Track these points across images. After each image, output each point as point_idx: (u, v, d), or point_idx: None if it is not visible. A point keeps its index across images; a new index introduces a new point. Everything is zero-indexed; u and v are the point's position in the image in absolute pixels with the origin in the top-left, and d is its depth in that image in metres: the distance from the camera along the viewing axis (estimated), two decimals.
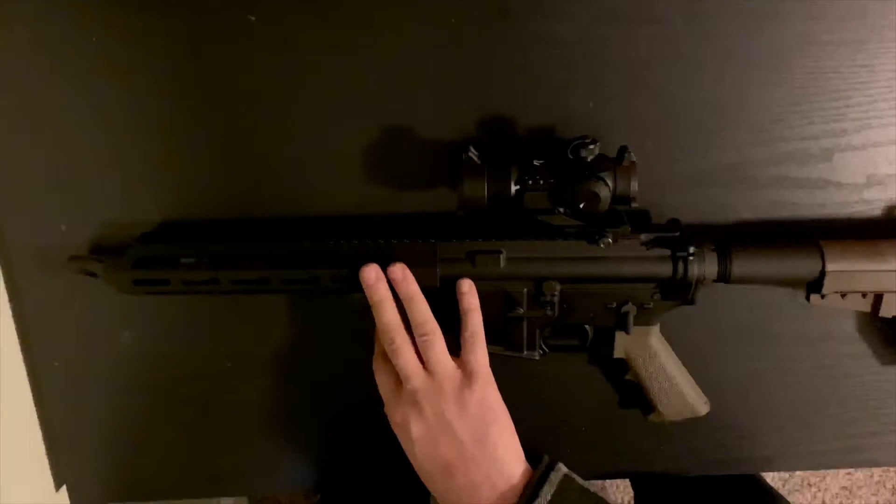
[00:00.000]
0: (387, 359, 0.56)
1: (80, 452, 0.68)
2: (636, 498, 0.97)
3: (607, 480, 1.36)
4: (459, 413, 0.54)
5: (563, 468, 0.55)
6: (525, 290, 0.57)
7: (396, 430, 0.57)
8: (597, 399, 0.66)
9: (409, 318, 0.55)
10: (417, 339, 0.55)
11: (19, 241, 0.62)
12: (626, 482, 1.38)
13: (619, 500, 1.40)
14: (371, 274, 0.54)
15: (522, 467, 0.56)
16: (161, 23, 0.57)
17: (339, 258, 0.56)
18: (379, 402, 0.66)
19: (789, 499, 0.77)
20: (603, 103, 0.58)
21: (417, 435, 0.54)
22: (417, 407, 0.54)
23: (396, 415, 0.56)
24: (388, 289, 0.55)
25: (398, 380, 0.56)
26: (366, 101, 0.59)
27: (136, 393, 0.66)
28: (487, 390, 0.55)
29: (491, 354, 0.60)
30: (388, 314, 0.54)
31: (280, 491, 1.16)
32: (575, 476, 0.55)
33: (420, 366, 0.55)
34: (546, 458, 0.56)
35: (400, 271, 0.55)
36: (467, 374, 0.55)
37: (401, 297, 0.55)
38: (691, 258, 0.55)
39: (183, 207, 0.61)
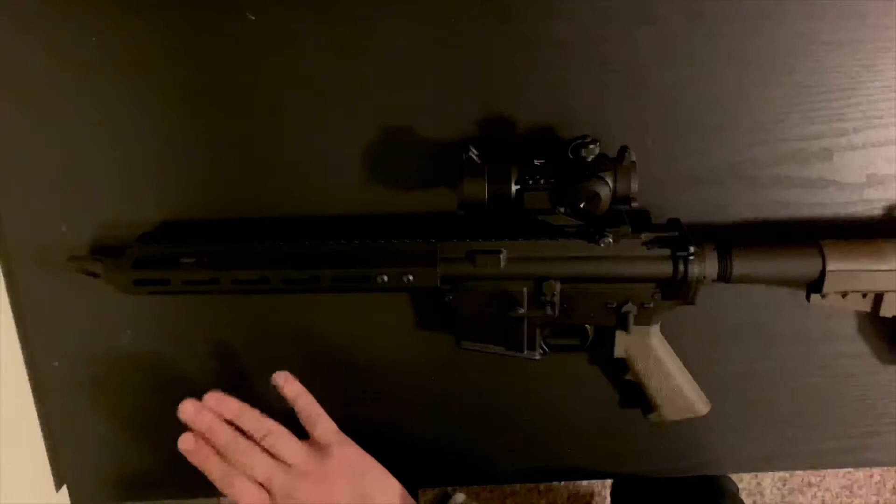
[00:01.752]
0: (242, 478, 0.55)
1: (80, 452, 0.68)
2: (613, 494, 0.98)
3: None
4: (330, 483, 0.56)
5: (458, 499, 0.56)
6: (525, 289, 0.57)
7: None
8: (597, 399, 0.66)
9: (246, 430, 0.56)
10: (263, 444, 0.56)
11: (19, 241, 0.62)
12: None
13: None
14: (188, 409, 0.56)
15: (402, 500, 0.58)
16: (161, 22, 0.57)
17: (339, 258, 0.56)
18: (378, 402, 0.66)
19: (789, 499, 0.77)
20: (603, 103, 0.58)
21: None
22: (292, 500, 0.55)
23: None
24: (212, 414, 0.56)
25: (264, 494, 0.55)
26: (366, 101, 0.59)
27: (136, 393, 0.66)
28: (344, 451, 0.57)
29: (491, 354, 0.60)
30: (225, 435, 0.55)
31: None
32: None
33: (276, 463, 0.55)
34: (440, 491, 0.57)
35: (214, 399, 0.56)
36: (321, 448, 0.57)
37: (229, 417, 0.56)
38: (691, 258, 0.55)
39: (183, 207, 0.61)
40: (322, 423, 0.58)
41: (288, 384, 0.58)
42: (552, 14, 0.56)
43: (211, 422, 0.56)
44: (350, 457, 0.58)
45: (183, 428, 0.67)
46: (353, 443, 0.59)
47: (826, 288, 0.56)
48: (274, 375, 0.58)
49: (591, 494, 1.39)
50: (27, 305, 0.63)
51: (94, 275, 0.58)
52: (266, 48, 0.58)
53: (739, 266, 0.56)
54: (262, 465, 0.55)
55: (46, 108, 0.59)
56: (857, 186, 0.60)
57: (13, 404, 0.64)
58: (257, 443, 0.56)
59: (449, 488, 0.59)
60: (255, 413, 0.57)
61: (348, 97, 0.59)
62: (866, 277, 0.56)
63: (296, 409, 0.58)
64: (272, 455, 0.56)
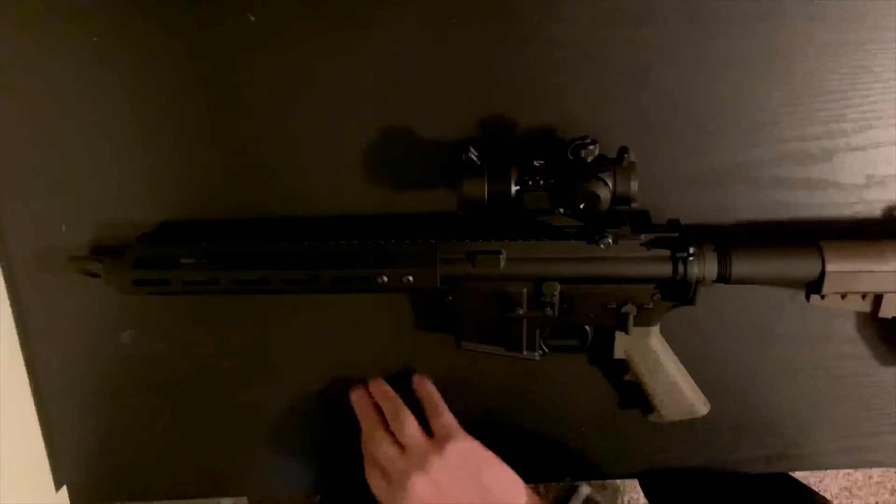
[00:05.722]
0: (373, 466, 0.61)
1: (80, 452, 0.68)
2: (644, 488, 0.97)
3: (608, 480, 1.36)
4: (447, 470, 0.57)
5: (584, 492, 0.57)
6: (525, 290, 0.57)
7: None
8: (597, 399, 0.66)
9: (384, 412, 0.62)
10: (391, 425, 0.61)
11: (19, 241, 0.62)
12: (630, 482, 1.38)
13: (623, 501, 1.40)
14: (353, 395, 0.64)
15: (524, 498, 0.58)
16: (161, 23, 0.57)
17: (339, 258, 0.56)
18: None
19: None
20: (603, 103, 0.58)
21: None
22: (403, 488, 0.56)
23: None
24: (367, 401, 0.63)
25: (385, 481, 0.59)
26: (366, 101, 0.59)
27: (136, 393, 0.66)
28: (463, 443, 0.58)
29: (491, 354, 0.60)
30: (367, 423, 0.63)
31: (280, 491, 1.16)
32: (597, 499, 0.57)
33: (398, 449, 0.59)
34: (567, 481, 0.58)
35: (373, 384, 0.64)
36: (441, 438, 0.58)
37: (376, 399, 0.63)
38: (691, 259, 0.55)
39: (183, 207, 0.61)
40: (444, 415, 0.60)
41: (423, 386, 0.63)
42: (552, 14, 0.56)
43: (362, 408, 0.63)
44: (467, 450, 0.58)
45: (185, 431, 0.68)
46: (471, 437, 0.59)
47: (826, 289, 0.56)
48: (414, 378, 0.64)
49: (591, 494, 1.39)
50: (27, 305, 0.63)
51: (95, 275, 0.58)
52: (266, 48, 0.58)
53: (739, 267, 0.56)
54: (384, 453, 0.59)
55: (46, 108, 0.59)
56: (856, 187, 0.60)
57: (13, 405, 0.64)
58: (387, 428, 0.61)
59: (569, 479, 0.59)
60: (393, 396, 0.62)
61: (348, 97, 0.59)
62: (866, 278, 0.56)
63: (421, 401, 0.62)
64: (399, 440, 0.60)
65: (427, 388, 0.63)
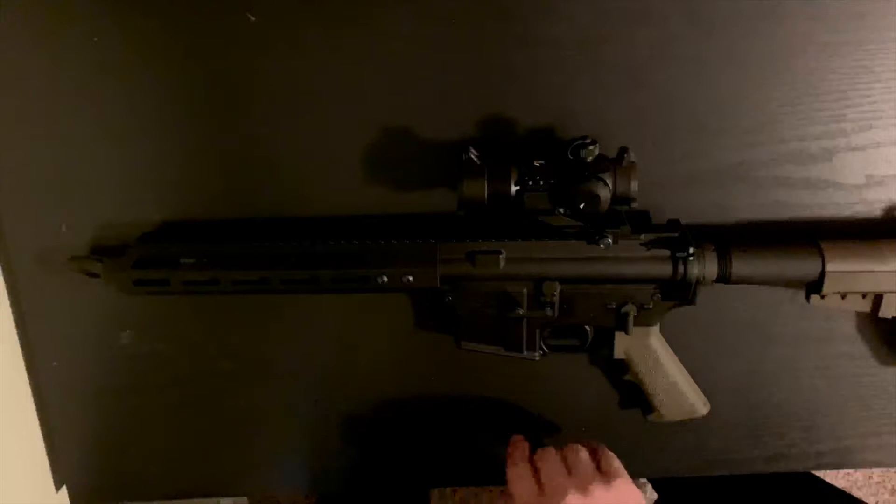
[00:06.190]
0: (524, 469, 0.57)
1: (80, 452, 0.68)
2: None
3: None
4: (607, 501, 0.54)
5: None
6: (525, 290, 0.57)
7: None
8: (597, 399, 0.66)
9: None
10: (564, 450, 0.58)
11: (19, 241, 0.62)
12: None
13: None
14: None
15: None
16: (161, 23, 0.57)
17: (339, 258, 0.56)
18: (378, 402, 0.66)
19: None
20: (603, 103, 0.58)
21: None
22: (557, 501, 0.54)
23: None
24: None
25: (542, 487, 0.56)
26: (366, 101, 0.59)
27: (136, 393, 0.66)
28: (632, 486, 0.56)
29: (491, 354, 0.60)
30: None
31: (280, 491, 1.16)
32: None
33: (564, 467, 0.56)
34: None
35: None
36: (610, 474, 0.55)
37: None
38: (691, 259, 0.55)
39: (183, 207, 0.61)
40: (615, 460, 0.58)
41: (606, 452, 0.60)
42: (552, 14, 0.56)
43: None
44: (633, 494, 0.56)
45: (185, 431, 0.68)
46: (635, 488, 0.57)
47: (825, 289, 0.56)
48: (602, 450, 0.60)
49: None
50: (27, 305, 0.63)
51: (94, 275, 0.58)
52: (266, 48, 0.58)
53: (739, 267, 0.56)
54: (549, 464, 0.57)
55: (46, 108, 0.59)
56: (856, 187, 0.60)
57: (13, 404, 0.64)
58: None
59: None
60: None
61: (348, 97, 0.59)
62: (866, 278, 0.56)
63: (599, 453, 0.59)
64: (567, 462, 0.57)
65: (607, 453, 0.60)
